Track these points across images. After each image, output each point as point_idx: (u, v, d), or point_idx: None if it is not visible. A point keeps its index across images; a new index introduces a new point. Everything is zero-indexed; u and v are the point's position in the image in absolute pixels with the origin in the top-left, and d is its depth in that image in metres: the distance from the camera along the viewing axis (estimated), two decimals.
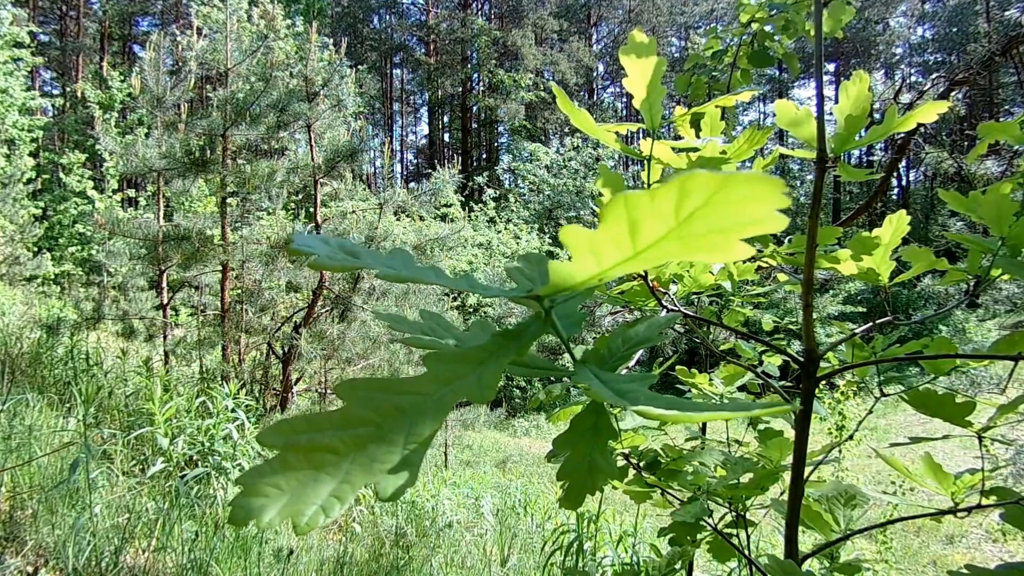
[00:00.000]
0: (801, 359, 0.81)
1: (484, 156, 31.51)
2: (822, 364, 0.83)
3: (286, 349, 4.32)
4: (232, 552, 2.45)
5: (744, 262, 1.00)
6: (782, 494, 1.03)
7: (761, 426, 1.10)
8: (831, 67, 28.07)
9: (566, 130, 23.31)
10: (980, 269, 0.72)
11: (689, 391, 1.32)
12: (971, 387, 10.13)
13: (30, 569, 2.06)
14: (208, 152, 4.23)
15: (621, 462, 1.13)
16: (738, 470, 1.03)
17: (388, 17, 33.13)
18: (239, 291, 4.63)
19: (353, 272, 4.45)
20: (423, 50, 31.23)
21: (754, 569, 1.02)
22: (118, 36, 24.78)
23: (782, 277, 1.15)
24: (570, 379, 0.39)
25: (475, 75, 30.00)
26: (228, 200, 4.44)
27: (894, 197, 25.35)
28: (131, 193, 11.33)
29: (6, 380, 3.44)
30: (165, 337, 4.54)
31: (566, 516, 4.10)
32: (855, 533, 0.97)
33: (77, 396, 3.31)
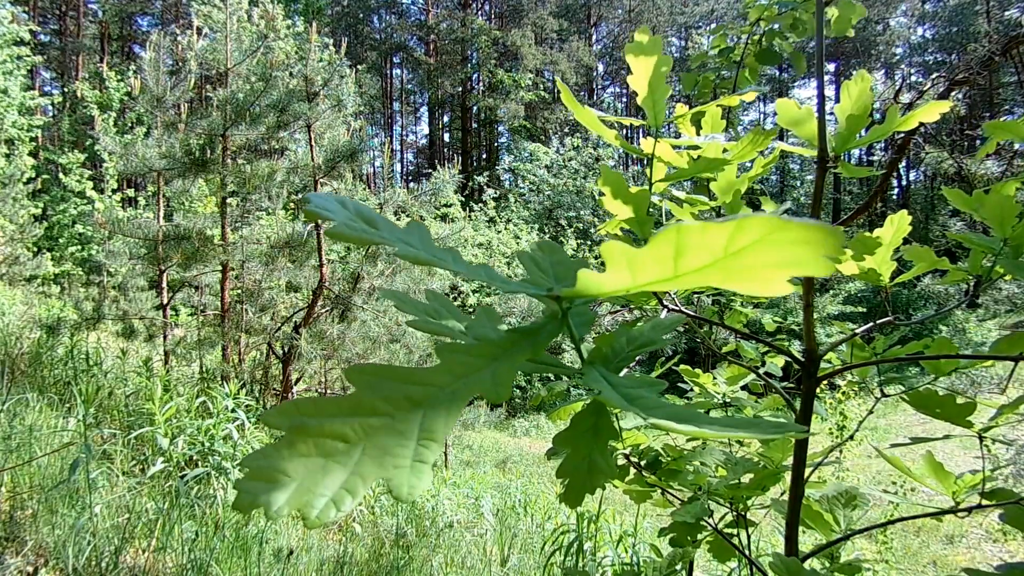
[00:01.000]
0: (802, 359, 0.81)
1: (484, 156, 31.52)
2: (823, 364, 0.83)
3: (286, 349, 4.32)
4: (232, 552, 2.45)
5: None
6: (782, 494, 1.03)
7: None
8: (831, 67, 28.07)
9: (566, 130, 23.31)
10: (982, 269, 0.72)
11: (691, 390, 1.32)
12: (971, 387, 10.13)
13: (30, 569, 2.06)
14: (208, 152, 4.23)
15: (621, 461, 1.13)
16: (739, 470, 1.03)
17: (388, 17, 33.13)
18: (239, 291, 4.63)
19: (354, 272, 4.45)
20: (423, 50, 31.24)
21: (754, 569, 1.02)
22: (117, 36, 24.78)
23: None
24: (578, 379, 0.38)
25: (475, 75, 30.01)
26: (228, 200, 4.44)
27: (894, 197, 25.35)
28: (131, 193, 11.33)
29: (6, 380, 3.44)
30: (165, 337, 4.54)
31: (566, 516, 4.10)
32: (855, 533, 0.97)
33: (77, 396, 3.31)
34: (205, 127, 4.15)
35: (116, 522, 2.37)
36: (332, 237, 0.31)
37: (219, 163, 4.23)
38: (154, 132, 4.41)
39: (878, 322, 0.93)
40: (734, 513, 1.11)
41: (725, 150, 0.76)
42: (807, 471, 0.91)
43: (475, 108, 30.46)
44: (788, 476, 0.88)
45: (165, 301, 4.65)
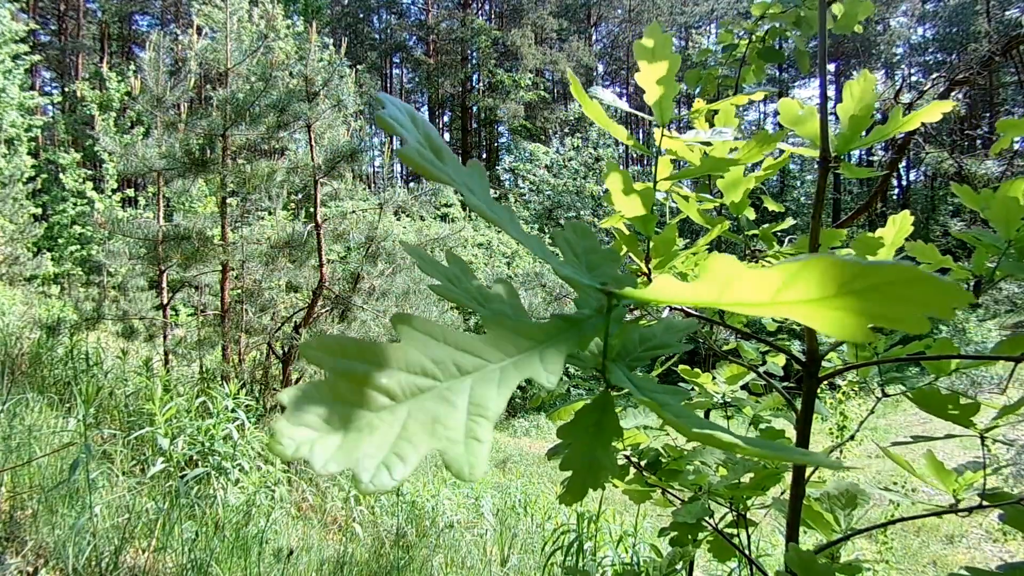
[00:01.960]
0: (803, 359, 0.80)
1: (484, 156, 31.51)
2: (824, 364, 0.82)
3: (286, 349, 4.32)
4: (232, 552, 2.44)
5: (749, 262, 1.00)
6: (783, 494, 1.03)
7: (763, 425, 1.10)
8: (831, 67, 28.07)
9: (566, 130, 23.31)
10: (985, 270, 0.72)
11: (691, 390, 1.32)
12: (972, 387, 10.13)
13: (30, 569, 2.06)
14: (208, 152, 4.23)
15: (622, 461, 1.13)
16: (739, 470, 1.03)
17: (388, 17, 33.13)
18: (239, 291, 4.63)
19: (354, 272, 4.45)
20: (423, 50, 31.23)
21: (755, 569, 1.02)
22: (116, 36, 24.77)
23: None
24: (585, 375, 0.38)
25: (475, 75, 30.00)
26: (228, 200, 4.43)
27: (894, 197, 25.35)
28: (131, 193, 11.32)
29: (6, 380, 3.44)
30: (165, 337, 4.54)
31: (566, 516, 4.10)
32: (856, 533, 0.97)
33: (77, 396, 3.30)
34: (205, 127, 4.15)
35: (116, 522, 2.37)
36: (402, 158, 0.29)
37: (219, 163, 4.22)
38: (154, 132, 4.41)
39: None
40: (734, 513, 1.11)
41: (733, 148, 0.76)
42: (808, 471, 0.91)
43: (475, 108, 30.45)
44: (788, 476, 0.88)
45: (165, 301, 4.65)
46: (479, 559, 3.24)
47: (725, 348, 1.36)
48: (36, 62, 11.91)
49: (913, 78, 25.51)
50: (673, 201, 0.97)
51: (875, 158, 25.84)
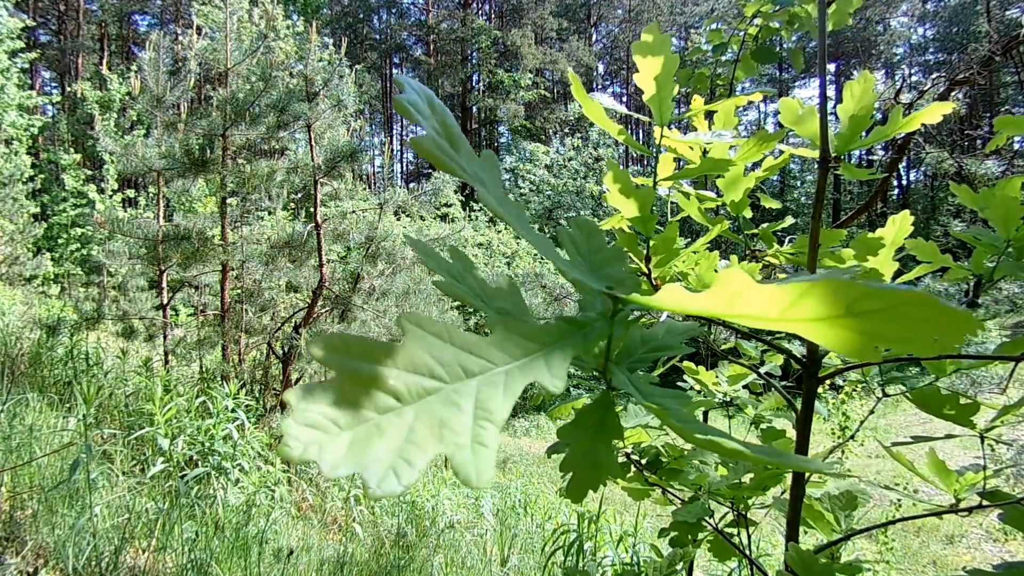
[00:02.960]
0: (803, 359, 0.80)
1: None
2: (824, 364, 0.82)
3: (286, 349, 4.32)
4: (232, 552, 2.44)
5: (749, 261, 1.00)
6: (783, 493, 1.03)
7: (763, 425, 1.10)
8: (831, 67, 28.07)
9: (566, 130, 23.31)
10: (984, 269, 0.72)
11: (690, 389, 1.32)
12: (972, 387, 10.13)
13: (30, 569, 2.06)
14: (208, 152, 4.23)
15: (622, 459, 1.13)
16: (739, 470, 1.03)
17: (388, 17, 33.14)
18: (239, 291, 4.63)
19: (354, 272, 4.45)
20: (423, 50, 31.24)
21: (755, 569, 1.02)
22: (116, 36, 24.77)
23: (783, 277, 1.15)
24: (585, 375, 0.37)
25: (475, 75, 30.01)
26: (228, 200, 4.43)
27: (894, 197, 25.35)
28: (131, 193, 11.31)
29: (6, 380, 3.44)
30: (165, 337, 4.54)
31: (566, 516, 4.10)
32: (856, 533, 0.97)
33: (77, 396, 3.30)
34: (205, 127, 4.15)
35: (116, 522, 2.37)
36: (415, 147, 0.29)
37: (219, 163, 4.22)
38: (154, 132, 4.41)
39: None
40: (735, 513, 1.11)
41: (732, 147, 0.76)
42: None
43: (475, 108, 30.46)
44: (789, 476, 0.88)
45: (165, 301, 4.65)
46: (479, 559, 3.24)
47: (724, 348, 1.36)
48: (33, 59, 11.89)
49: (913, 78, 25.51)
50: (674, 199, 0.97)
51: (875, 158, 25.85)
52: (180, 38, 4.49)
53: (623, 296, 0.33)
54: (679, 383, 1.42)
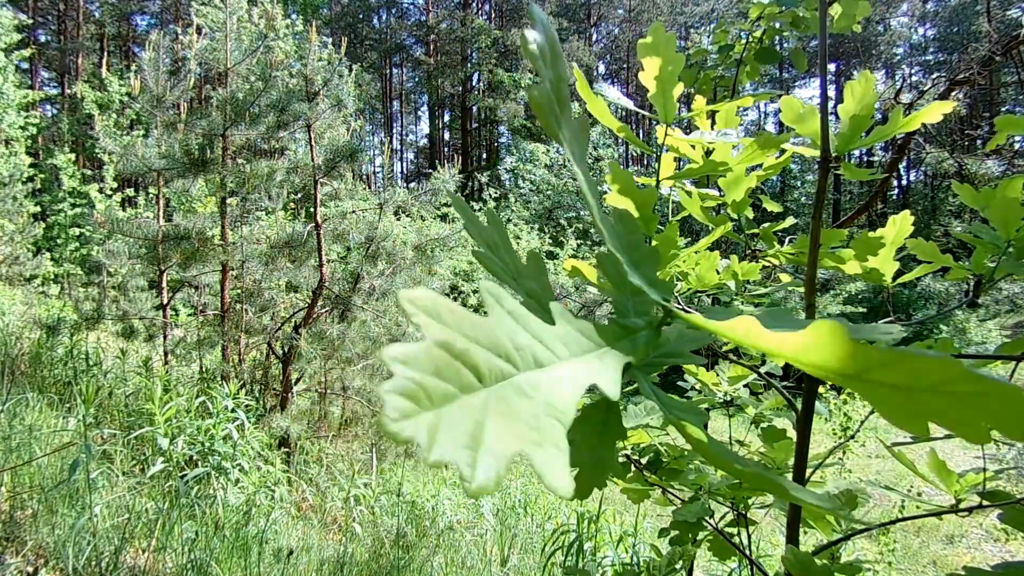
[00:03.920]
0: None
1: (484, 156, 31.53)
2: None
3: (286, 349, 4.32)
4: (232, 552, 2.44)
5: (749, 261, 1.00)
6: None
7: (764, 424, 1.10)
8: (832, 67, 28.07)
9: None
10: (984, 269, 0.72)
11: (691, 389, 1.32)
12: None
13: (30, 569, 2.06)
14: (208, 152, 4.23)
15: (622, 459, 1.13)
16: None
17: (388, 17, 33.14)
18: (239, 291, 4.63)
19: (354, 272, 4.45)
20: (423, 50, 31.24)
21: (755, 569, 1.02)
22: (115, 36, 24.77)
23: (784, 277, 1.15)
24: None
25: (475, 75, 30.01)
26: (228, 200, 4.43)
27: (894, 197, 25.35)
28: (130, 193, 11.30)
29: (6, 380, 3.44)
30: (165, 337, 4.54)
31: (566, 516, 4.10)
32: (856, 533, 0.97)
33: (77, 396, 3.31)
34: (205, 127, 4.15)
35: (116, 522, 2.37)
36: (533, 103, 0.27)
37: (219, 163, 4.22)
38: (154, 132, 4.40)
39: (879, 322, 0.93)
40: (735, 513, 1.10)
41: (735, 147, 0.76)
42: (808, 471, 0.91)
43: (475, 108, 30.46)
44: (789, 476, 0.88)
45: (165, 301, 4.65)
46: (479, 559, 3.23)
47: (726, 348, 1.36)
48: (30, 57, 11.86)
49: (914, 78, 25.51)
50: (676, 198, 0.97)
51: (875, 158, 25.84)
52: (180, 38, 4.49)
53: (678, 313, 0.32)
54: (679, 383, 1.42)
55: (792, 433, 0.90)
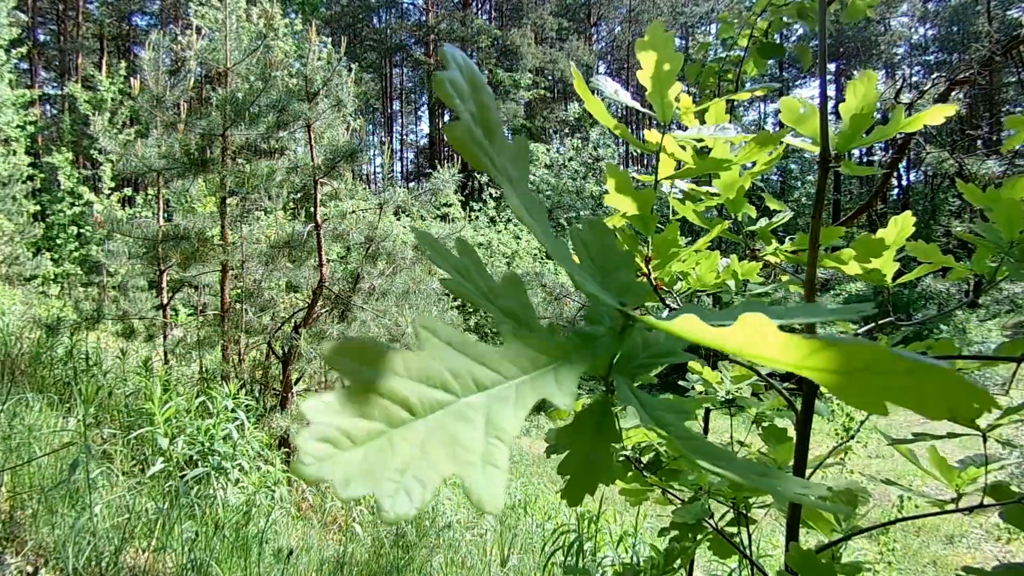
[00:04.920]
0: None
1: None
2: None
3: (286, 349, 4.32)
4: (232, 552, 2.44)
5: (749, 261, 1.00)
6: None
7: (765, 423, 1.09)
8: (832, 67, 28.06)
9: (566, 131, 23.32)
10: (986, 268, 0.72)
11: (691, 388, 1.32)
12: None
13: (30, 569, 2.06)
14: (208, 152, 4.23)
15: (622, 459, 1.13)
16: None
17: (387, 17, 33.13)
18: (239, 291, 4.63)
19: (354, 272, 4.45)
20: (423, 50, 31.23)
21: (755, 570, 1.02)
22: (114, 36, 24.77)
23: (785, 277, 1.14)
24: (603, 380, 0.36)
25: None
26: (228, 200, 4.43)
27: (894, 197, 25.34)
28: (128, 192, 11.30)
29: (6, 380, 3.44)
30: (165, 337, 4.53)
31: (566, 516, 4.10)
32: (857, 533, 0.97)
33: (77, 396, 3.30)
34: (205, 127, 4.15)
35: (116, 522, 2.37)
36: (450, 138, 0.28)
37: (219, 163, 4.22)
38: (153, 132, 4.40)
39: (880, 322, 0.93)
40: (735, 512, 1.10)
41: (733, 144, 0.76)
42: (809, 471, 0.91)
43: None
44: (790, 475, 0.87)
45: (165, 301, 4.65)
46: (479, 559, 3.23)
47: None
48: (27, 54, 11.84)
49: (914, 78, 25.51)
50: (679, 194, 0.97)
51: (875, 157, 25.84)
52: (179, 38, 4.49)
53: (637, 316, 0.32)
54: (680, 382, 1.42)
55: (793, 433, 0.90)
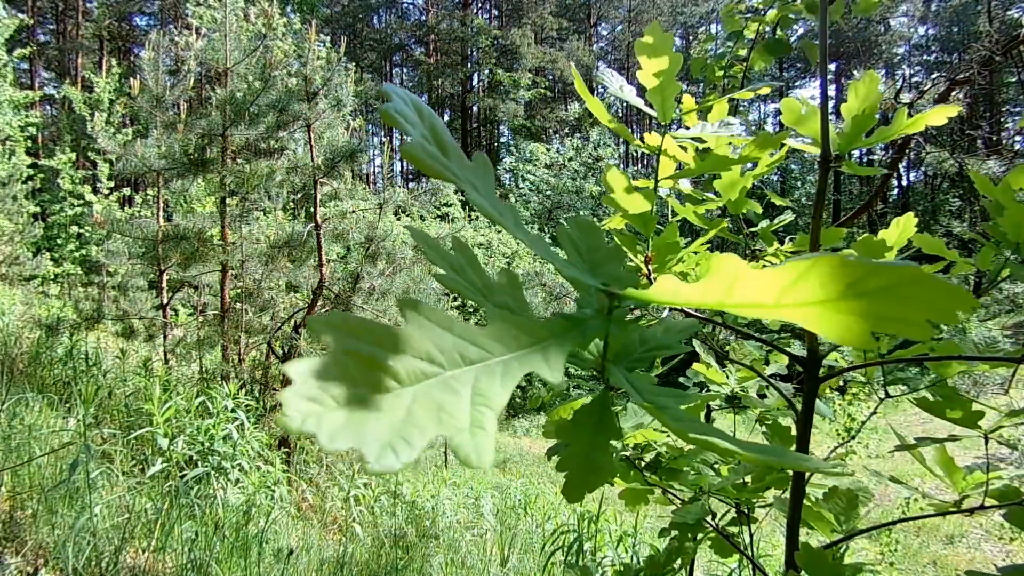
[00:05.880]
0: (804, 360, 0.80)
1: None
2: (825, 365, 0.82)
3: (286, 349, 4.31)
4: (232, 552, 2.44)
5: (749, 261, 0.99)
6: (783, 493, 1.03)
7: (769, 420, 1.09)
8: (832, 67, 28.05)
9: (566, 131, 23.33)
10: (992, 264, 0.72)
11: (693, 385, 1.32)
12: (974, 387, 10.13)
13: (30, 569, 2.06)
14: (208, 152, 4.23)
15: (623, 458, 1.12)
16: (740, 471, 1.03)
17: (387, 17, 33.13)
18: (239, 291, 4.63)
19: (354, 272, 4.45)
20: (422, 50, 31.24)
21: (756, 570, 1.02)
22: (112, 36, 24.76)
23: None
24: (586, 374, 0.37)
25: (475, 75, 30.01)
26: (227, 200, 4.43)
27: (894, 197, 25.34)
28: (127, 192, 11.28)
29: (6, 380, 3.44)
30: (165, 337, 4.53)
31: (566, 516, 4.10)
32: (857, 533, 0.97)
33: (77, 396, 3.30)
34: (204, 127, 4.15)
35: (116, 522, 2.37)
36: (404, 155, 0.29)
37: (218, 163, 4.22)
38: (153, 132, 4.40)
39: None
40: (737, 511, 1.10)
41: (733, 145, 0.76)
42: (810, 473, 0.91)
43: (475, 108, 30.45)
44: (790, 475, 0.87)
45: (165, 301, 4.65)
46: (479, 559, 3.23)
47: (727, 348, 1.36)
48: (28, 55, 11.83)
49: (914, 78, 25.51)
50: (679, 196, 0.97)
51: (875, 157, 25.84)
52: (175, 38, 4.48)
53: (618, 292, 0.32)
54: (680, 379, 1.41)
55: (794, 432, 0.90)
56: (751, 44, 1.53)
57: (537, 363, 0.27)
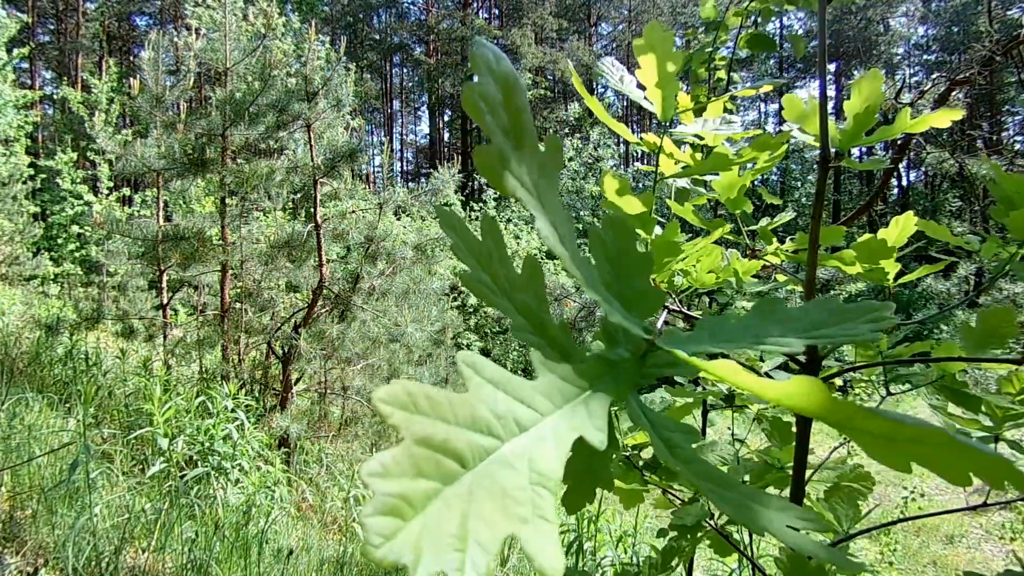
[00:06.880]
0: (803, 360, 0.80)
1: None
2: (825, 365, 0.82)
3: (286, 349, 4.31)
4: (232, 552, 2.44)
5: (749, 260, 0.99)
6: (782, 492, 1.03)
7: (770, 414, 1.09)
8: (831, 67, 28.05)
9: (566, 131, 23.32)
10: (996, 260, 0.72)
11: (689, 382, 1.32)
12: (974, 387, 10.13)
13: (30, 569, 2.06)
14: (207, 152, 4.22)
15: (622, 461, 1.12)
16: (740, 471, 1.03)
17: (387, 17, 33.13)
18: (239, 291, 4.62)
19: (354, 272, 4.45)
20: (422, 50, 31.24)
21: (755, 570, 1.02)
22: (113, 36, 24.77)
23: (781, 277, 1.14)
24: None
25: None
26: (227, 200, 4.43)
27: (894, 197, 25.34)
28: (127, 192, 11.28)
29: (6, 380, 3.44)
30: (165, 337, 4.53)
31: (566, 516, 4.09)
32: (857, 534, 0.97)
33: (77, 396, 3.30)
34: (204, 127, 4.15)
35: (116, 522, 2.37)
36: (481, 166, 0.26)
37: (218, 163, 4.22)
38: (153, 132, 4.40)
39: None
40: None
41: (733, 142, 0.76)
42: (809, 471, 0.91)
43: None
44: (791, 473, 0.87)
45: (165, 301, 4.65)
46: None
47: None
48: (27, 55, 11.82)
49: (914, 78, 25.51)
50: (675, 196, 0.96)
51: (875, 157, 25.80)
52: (175, 39, 4.48)
53: (663, 347, 0.32)
54: (675, 378, 1.41)
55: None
56: (736, 32, 1.52)
57: (583, 423, 0.26)
